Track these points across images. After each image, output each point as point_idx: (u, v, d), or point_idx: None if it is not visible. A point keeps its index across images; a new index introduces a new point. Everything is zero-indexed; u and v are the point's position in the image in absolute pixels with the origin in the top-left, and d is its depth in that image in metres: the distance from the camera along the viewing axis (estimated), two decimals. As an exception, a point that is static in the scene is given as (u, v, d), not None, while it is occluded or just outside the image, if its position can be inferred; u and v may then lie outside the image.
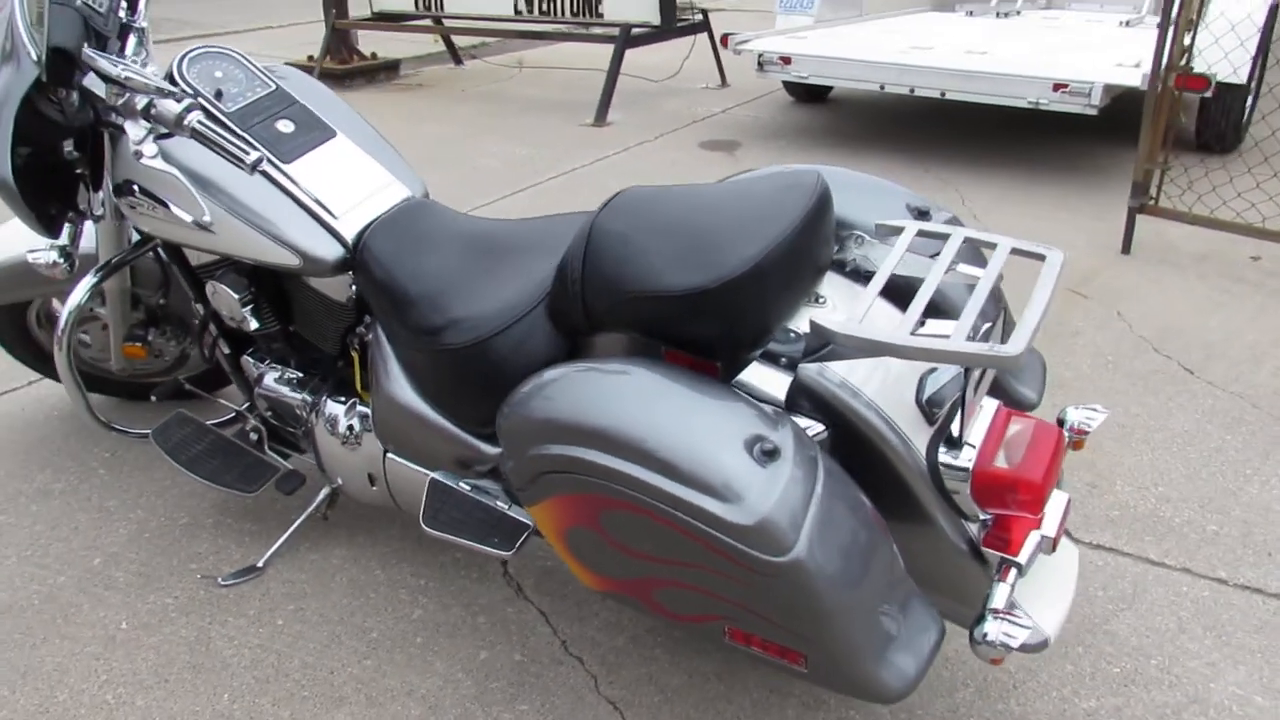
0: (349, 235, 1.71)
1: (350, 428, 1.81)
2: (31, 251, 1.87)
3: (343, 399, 1.85)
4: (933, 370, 1.39)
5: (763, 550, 1.17)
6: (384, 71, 6.77)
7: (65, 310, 1.88)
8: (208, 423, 2.07)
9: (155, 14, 9.93)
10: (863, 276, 1.51)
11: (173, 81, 1.71)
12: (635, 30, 5.59)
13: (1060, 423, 1.57)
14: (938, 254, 1.37)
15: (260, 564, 1.97)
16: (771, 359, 1.38)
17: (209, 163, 1.72)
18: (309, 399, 1.88)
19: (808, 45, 4.88)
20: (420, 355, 1.62)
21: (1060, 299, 3.19)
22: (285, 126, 1.77)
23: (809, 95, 5.85)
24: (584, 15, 5.78)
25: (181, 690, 1.69)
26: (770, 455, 1.21)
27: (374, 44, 6.94)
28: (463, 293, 1.61)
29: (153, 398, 2.19)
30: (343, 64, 6.55)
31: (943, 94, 4.48)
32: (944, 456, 1.35)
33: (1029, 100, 4.27)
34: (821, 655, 1.24)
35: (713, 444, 1.21)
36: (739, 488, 1.18)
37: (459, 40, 7.26)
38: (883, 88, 4.63)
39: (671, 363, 1.37)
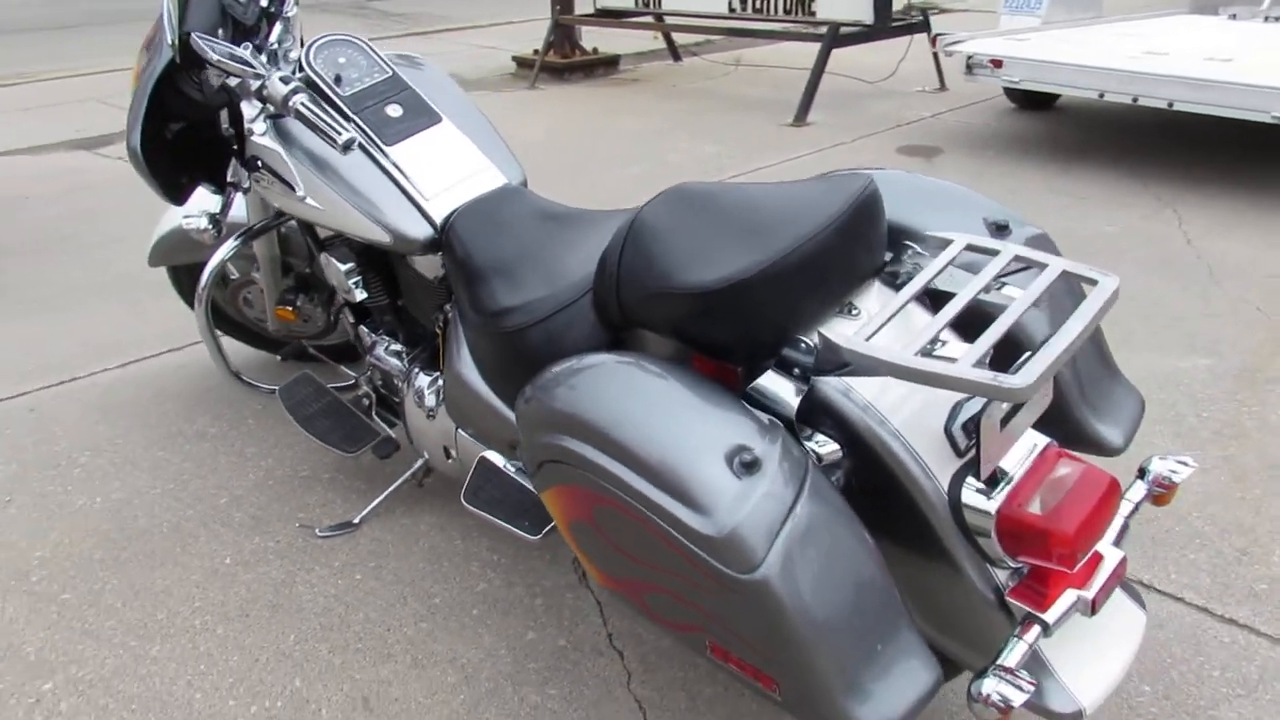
0: (438, 216, 1.79)
1: (431, 402, 1.90)
2: (186, 217, 2.08)
3: (431, 374, 1.93)
4: (970, 397, 1.28)
5: (729, 565, 1.13)
6: (602, 66, 6.97)
7: (205, 272, 2.08)
8: (329, 385, 2.23)
9: (412, 9, 10.69)
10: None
11: (301, 67, 1.85)
12: (846, 30, 5.45)
13: (1142, 473, 1.41)
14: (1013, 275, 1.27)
15: (356, 520, 2.10)
16: (789, 369, 1.32)
17: (322, 143, 1.85)
18: (404, 370, 1.99)
19: (1023, 48, 4.57)
20: (480, 336, 1.67)
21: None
22: (394, 111, 1.87)
23: (1031, 102, 5.48)
24: (796, 13, 5.69)
25: (257, 626, 1.84)
26: (749, 467, 1.16)
27: (598, 40, 7.15)
28: (524, 278, 1.64)
29: (280, 358, 2.38)
30: (564, 58, 6.80)
31: (1170, 105, 4.07)
32: (968, 495, 1.24)
33: (1273, 115, 3.81)
34: (791, 683, 1.17)
35: (693, 450, 1.18)
36: (711, 498, 1.14)
37: (682, 38, 7.36)
38: (1101, 96, 4.26)
39: (687, 364, 1.34)
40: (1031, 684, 1.15)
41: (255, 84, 1.73)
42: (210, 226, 2.09)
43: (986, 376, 1.08)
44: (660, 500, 1.17)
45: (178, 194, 2.00)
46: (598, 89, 6.53)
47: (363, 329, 2.13)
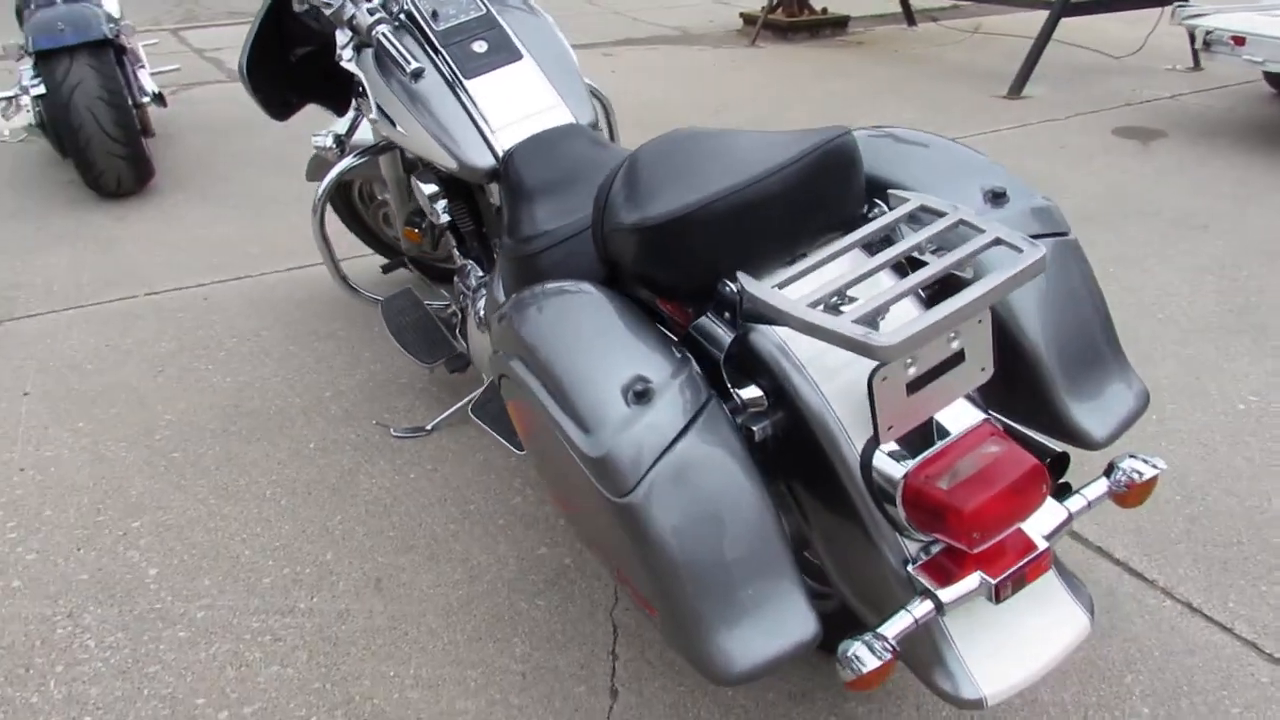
0: (501, 148, 1.90)
1: (484, 326, 2.02)
2: (314, 136, 2.31)
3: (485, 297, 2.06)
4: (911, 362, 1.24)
5: (605, 487, 1.17)
6: (830, 27, 6.82)
7: (320, 187, 2.31)
8: (428, 302, 2.42)
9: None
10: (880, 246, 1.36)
11: (405, 2, 2.00)
12: (1078, -2, 5.04)
13: (1109, 470, 1.30)
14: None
15: (428, 427, 2.28)
16: (722, 313, 1.32)
17: (424, 71, 1.99)
18: (470, 293, 2.13)
19: (1274, 25, 4.06)
20: (507, 260, 1.77)
21: None
22: (479, 46, 1.99)
23: (1296, 88, 4.85)
24: (1029, -23, 5.32)
25: (314, 503, 2.06)
26: (640, 396, 1.19)
27: (831, 0, 6.99)
28: (554, 207, 1.72)
29: (381, 270, 2.60)
30: (790, 17, 6.71)
31: None
32: (880, 459, 1.21)
33: None
34: (665, 614, 1.20)
35: (595, 375, 1.22)
36: (597, 420, 1.19)
37: (921, 2, 7.06)
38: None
39: (637, 299, 1.38)
40: (890, 654, 1.12)
41: (347, 13, 1.90)
42: (334, 146, 2.30)
43: (857, 332, 1.05)
44: (560, 420, 1.23)
45: (283, 113, 2.22)
46: (818, 50, 6.41)
47: (455, 252, 2.29)
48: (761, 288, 1.18)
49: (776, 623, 1.19)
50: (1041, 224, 1.40)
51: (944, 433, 1.23)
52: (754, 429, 1.29)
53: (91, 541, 1.93)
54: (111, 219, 3.53)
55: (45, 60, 3.39)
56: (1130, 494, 1.29)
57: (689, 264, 1.30)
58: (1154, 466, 1.28)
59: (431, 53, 1.98)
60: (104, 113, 3.43)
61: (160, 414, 2.36)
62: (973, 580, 1.18)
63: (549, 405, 1.25)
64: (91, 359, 2.60)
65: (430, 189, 2.10)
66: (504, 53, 2.00)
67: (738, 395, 1.30)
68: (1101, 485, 1.29)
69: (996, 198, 1.40)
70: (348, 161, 2.30)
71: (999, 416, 1.36)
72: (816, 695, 1.58)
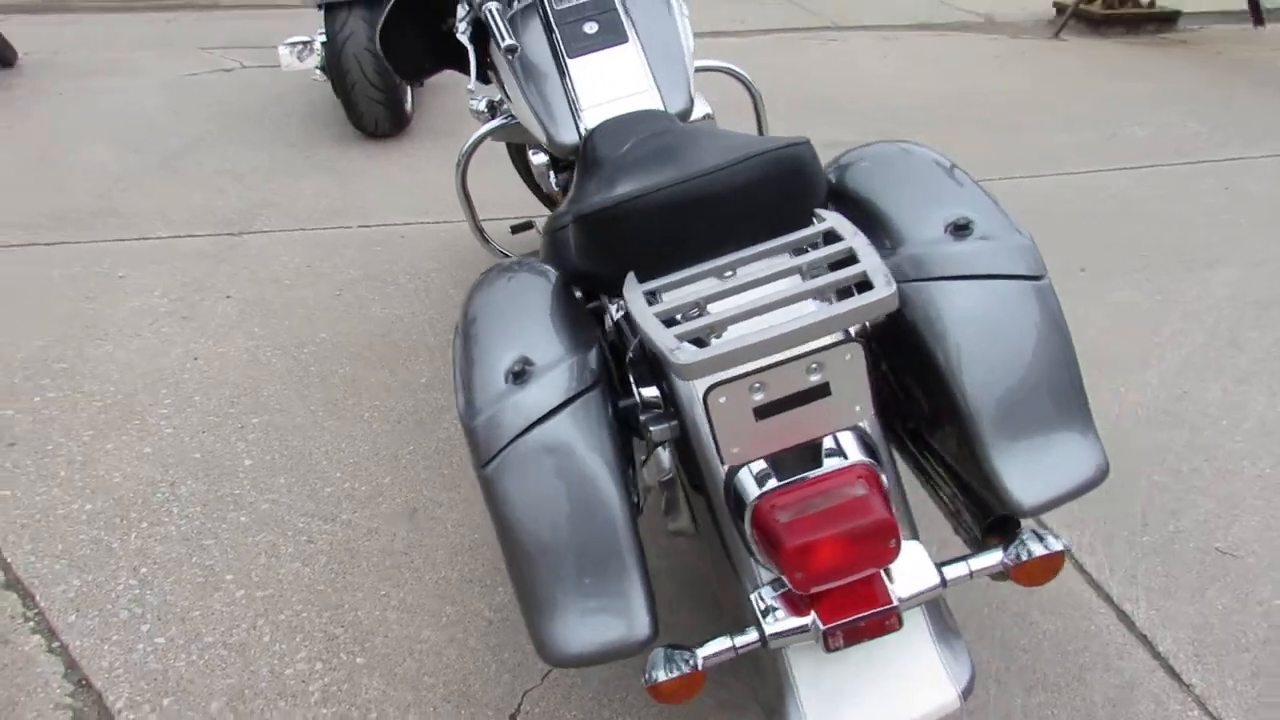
0: (585, 127, 1.98)
1: None
2: (470, 98, 2.51)
3: None
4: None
5: (472, 456, 1.25)
6: (1153, 23, 6.12)
7: (463, 148, 2.50)
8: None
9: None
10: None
11: None
12: None
13: (1009, 540, 1.19)
14: None
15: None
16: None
17: (535, 47, 2.12)
18: None
19: None
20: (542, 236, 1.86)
21: None
22: (590, 27, 2.07)
23: None
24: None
25: (398, 432, 2.29)
26: (517, 376, 1.25)
27: (1167, -8, 6.27)
28: (591, 190, 1.78)
29: (510, 230, 2.75)
30: (1107, 9, 6.10)
31: None
32: (743, 477, 1.19)
33: None
34: (513, 583, 1.26)
35: (489, 350, 1.29)
36: (475, 393, 1.26)
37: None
38: None
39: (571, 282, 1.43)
40: (690, 670, 1.12)
41: (464, -14, 2.05)
42: (485, 110, 2.49)
43: (668, 345, 1.05)
44: (456, 387, 1.31)
45: (417, 76, 2.41)
46: (1129, 47, 5.79)
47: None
48: (633, 288, 1.19)
49: (609, 617, 1.21)
50: (1008, 262, 1.28)
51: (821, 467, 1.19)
52: (653, 429, 1.31)
53: (216, 429, 2.28)
54: (364, 156, 3.99)
55: (329, 11, 3.88)
56: (1022, 571, 1.17)
57: (599, 258, 1.33)
58: (1047, 545, 1.16)
59: (547, 31, 2.08)
60: (368, 62, 3.86)
61: (318, 331, 2.70)
62: (803, 621, 1.14)
63: (454, 372, 1.34)
64: (290, 275, 3.01)
65: (539, 159, 2.22)
66: (611, 35, 2.06)
67: (639, 394, 1.32)
68: (994, 556, 1.18)
69: (959, 229, 1.30)
70: (488, 126, 2.47)
71: (940, 461, 1.28)
72: (750, 705, 1.57)
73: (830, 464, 1.17)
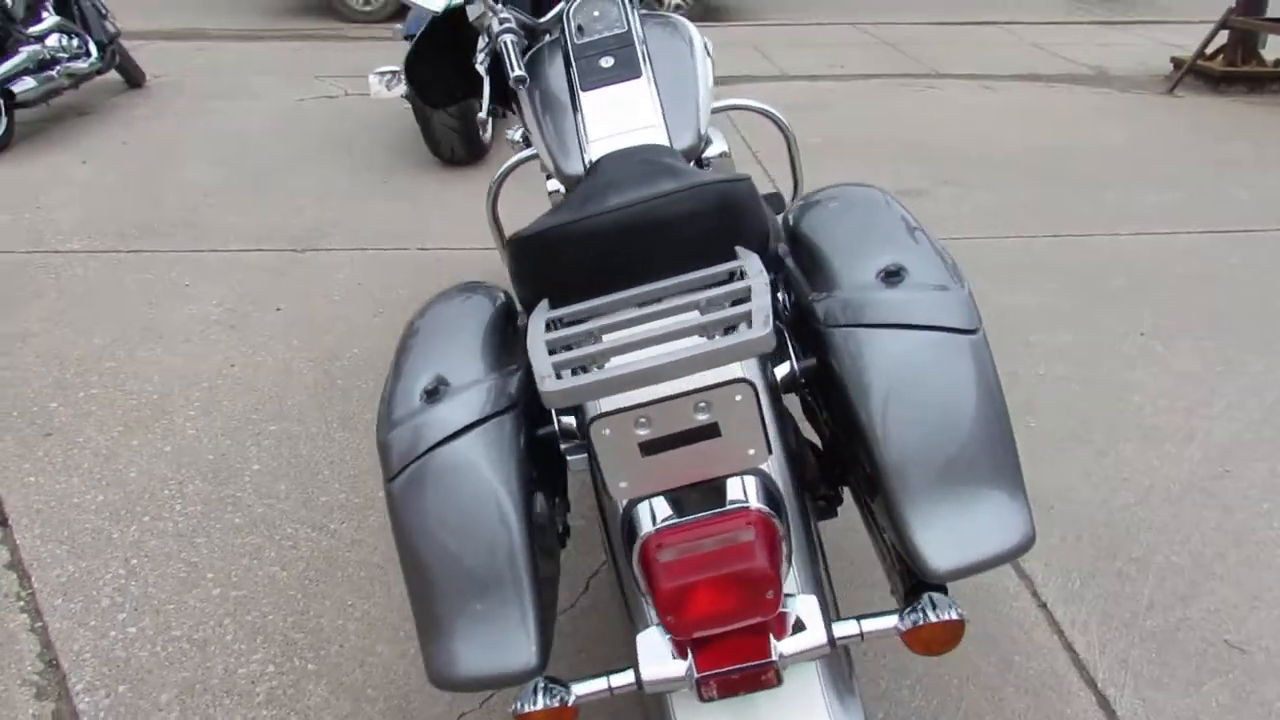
0: (591, 158, 2.00)
1: None
2: (508, 130, 2.56)
3: None
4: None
5: (382, 468, 1.26)
6: (1277, 83, 5.80)
7: (496, 176, 2.55)
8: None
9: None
10: None
11: (559, 17, 2.17)
12: None
13: (906, 608, 1.13)
14: None
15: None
16: None
17: (553, 79, 2.15)
18: None
19: None
20: None
21: None
22: (606, 62, 2.09)
23: None
24: None
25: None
26: (430, 395, 1.26)
27: (1294, 50, 5.95)
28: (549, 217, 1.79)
29: None
30: (1228, 65, 5.81)
31: None
32: (642, 511, 1.17)
33: None
34: (410, 599, 1.26)
35: (411, 369, 1.31)
36: (390, 408, 1.28)
37: None
38: None
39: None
40: (560, 706, 1.10)
41: (486, 20, 2.10)
42: (521, 140, 2.54)
43: (542, 371, 1.04)
44: (380, 403, 1.33)
45: (442, 101, 2.46)
46: (1249, 107, 5.49)
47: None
48: (539, 314, 1.19)
49: (497, 645, 1.20)
50: (939, 313, 1.23)
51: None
52: (570, 459, 1.30)
53: (234, 433, 2.37)
54: (437, 182, 4.12)
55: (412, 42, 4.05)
56: (917, 638, 1.11)
57: (529, 283, 1.33)
58: (945, 613, 1.09)
59: (566, 64, 2.12)
60: (447, 92, 4.00)
61: (350, 347, 2.79)
62: (678, 668, 1.11)
63: (384, 386, 1.36)
64: (340, 291, 3.12)
65: (552, 187, 2.25)
66: (625, 70, 2.08)
67: (558, 421, 1.32)
68: (889, 620, 1.12)
69: (890, 276, 1.25)
70: (519, 156, 2.52)
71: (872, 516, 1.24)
72: None
73: (728, 509, 1.14)
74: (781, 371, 1.29)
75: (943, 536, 1.17)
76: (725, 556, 1.07)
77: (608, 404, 1.16)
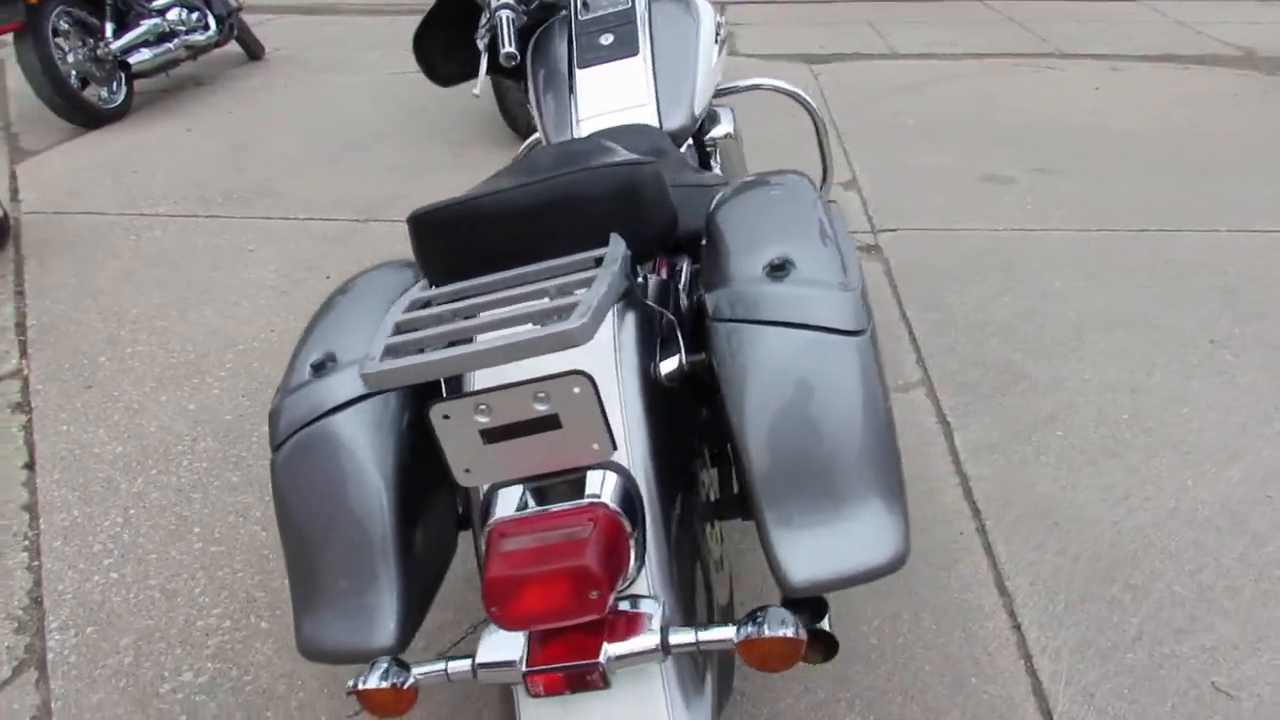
0: (578, 136, 1.98)
1: None
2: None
3: None
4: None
5: (269, 435, 1.29)
6: None
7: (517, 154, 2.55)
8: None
9: None
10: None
11: None
12: None
13: (744, 620, 1.07)
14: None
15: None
16: None
17: (555, 56, 2.13)
18: None
19: None
20: None
21: None
22: (605, 39, 2.06)
23: None
24: None
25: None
26: (317, 370, 1.27)
27: None
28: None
29: None
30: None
31: None
32: (501, 500, 1.15)
33: None
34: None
35: (308, 342, 1.32)
36: (286, 378, 1.29)
37: None
38: None
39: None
40: (396, 688, 1.10)
41: (484, -4, 2.09)
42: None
43: (373, 352, 1.03)
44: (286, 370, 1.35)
45: (449, 81, 2.46)
46: None
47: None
48: (408, 294, 1.18)
49: (360, 622, 1.21)
50: (822, 312, 1.16)
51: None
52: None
53: (255, 395, 2.47)
54: (509, 157, 4.15)
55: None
56: (751, 652, 1.05)
57: (421, 261, 1.32)
58: (781, 630, 1.03)
59: (568, 41, 2.10)
60: (523, 68, 4.03)
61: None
62: (510, 658, 1.09)
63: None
64: (390, 263, 3.19)
65: None
66: (623, 48, 2.04)
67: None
68: (726, 631, 1.07)
69: (775, 270, 1.18)
70: (534, 138, 2.51)
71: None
72: None
73: (572, 505, 1.11)
74: (669, 366, 1.24)
75: (803, 548, 1.11)
76: (557, 552, 1.04)
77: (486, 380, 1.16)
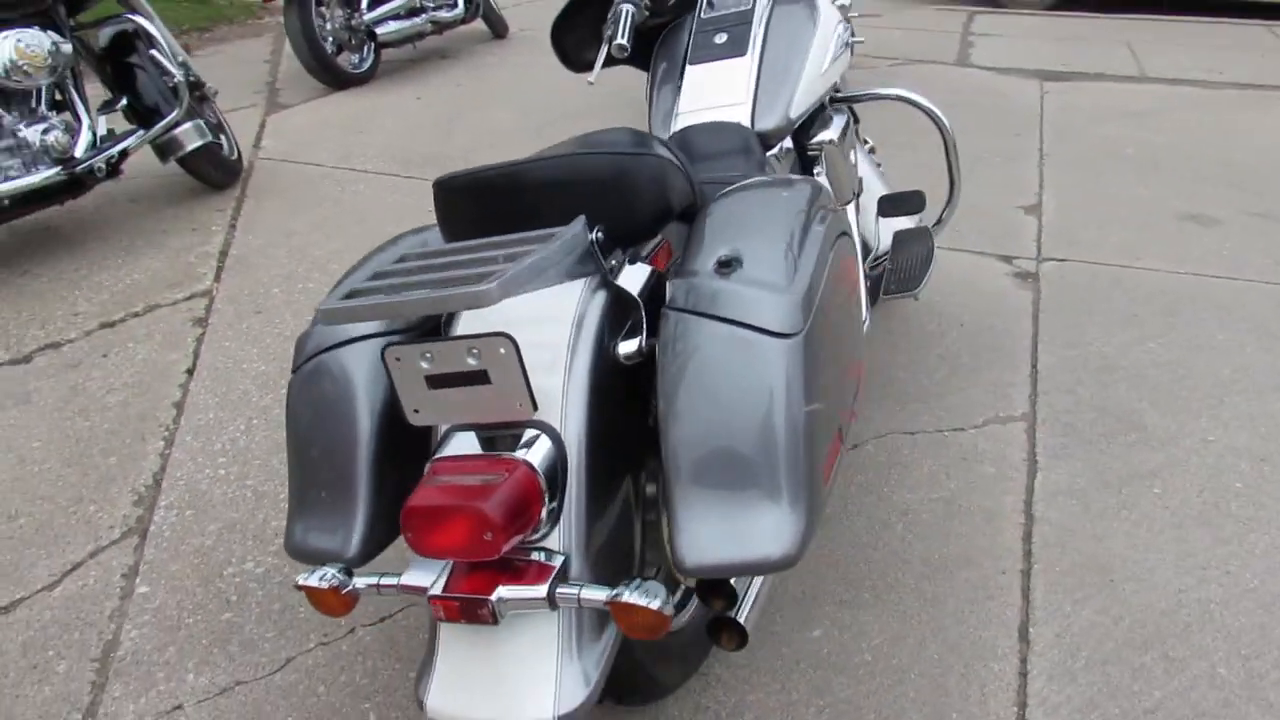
0: (674, 130, 2.06)
1: None
2: None
3: None
4: None
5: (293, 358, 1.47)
6: None
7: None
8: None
9: None
10: None
11: None
12: None
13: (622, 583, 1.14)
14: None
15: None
16: None
17: (674, 51, 2.21)
18: None
19: None
20: None
21: None
22: (719, 38, 2.12)
23: None
24: None
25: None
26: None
27: None
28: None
29: None
30: None
31: None
32: (455, 442, 1.27)
33: None
34: None
35: (345, 283, 1.49)
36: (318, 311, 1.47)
37: None
38: None
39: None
40: (332, 591, 1.24)
41: (612, -15, 2.20)
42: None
43: (336, 292, 1.17)
44: None
45: (578, 67, 2.55)
46: None
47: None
48: (397, 251, 1.32)
49: (331, 531, 1.38)
50: (756, 311, 1.20)
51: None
52: None
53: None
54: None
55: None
56: (619, 614, 1.12)
57: (440, 223, 1.45)
58: (636, 599, 1.09)
59: (688, 37, 2.17)
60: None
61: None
62: (424, 584, 1.21)
63: None
64: (546, 236, 3.39)
65: None
66: (733, 48, 2.10)
67: None
68: (602, 593, 1.14)
69: (723, 266, 1.23)
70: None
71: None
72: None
73: (500, 455, 1.21)
74: (628, 348, 1.31)
75: (701, 533, 1.17)
76: (466, 493, 1.15)
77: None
